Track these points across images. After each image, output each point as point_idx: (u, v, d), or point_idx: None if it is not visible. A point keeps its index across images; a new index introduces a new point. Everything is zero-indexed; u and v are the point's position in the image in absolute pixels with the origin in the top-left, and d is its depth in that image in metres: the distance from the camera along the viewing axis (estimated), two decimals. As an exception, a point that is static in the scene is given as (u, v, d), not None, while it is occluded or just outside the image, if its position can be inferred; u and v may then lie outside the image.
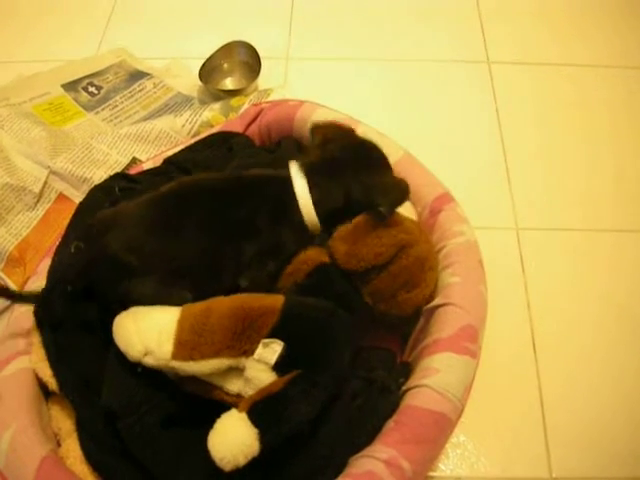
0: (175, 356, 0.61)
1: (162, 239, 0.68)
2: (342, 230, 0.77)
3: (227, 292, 0.67)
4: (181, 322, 0.62)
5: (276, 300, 0.65)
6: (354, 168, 0.74)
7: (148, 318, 0.64)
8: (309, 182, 0.73)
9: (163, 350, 0.61)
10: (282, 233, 0.72)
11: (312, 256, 0.74)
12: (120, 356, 0.66)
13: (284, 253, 0.73)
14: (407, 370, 0.74)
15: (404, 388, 0.70)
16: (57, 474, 0.63)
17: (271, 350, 0.61)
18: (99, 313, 0.70)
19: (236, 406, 0.59)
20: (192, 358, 0.61)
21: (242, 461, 0.55)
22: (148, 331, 0.62)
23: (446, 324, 0.72)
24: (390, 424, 0.66)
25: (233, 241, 0.70)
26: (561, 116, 1.20)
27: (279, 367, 0.61)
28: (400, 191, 0.74)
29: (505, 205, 1.06)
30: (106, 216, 0.71)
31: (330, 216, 0.73)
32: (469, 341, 0.71)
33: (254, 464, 0.56)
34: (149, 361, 0.62)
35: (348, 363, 0.68)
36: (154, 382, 0.64)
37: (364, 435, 0.66)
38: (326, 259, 0.75)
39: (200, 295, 0.67)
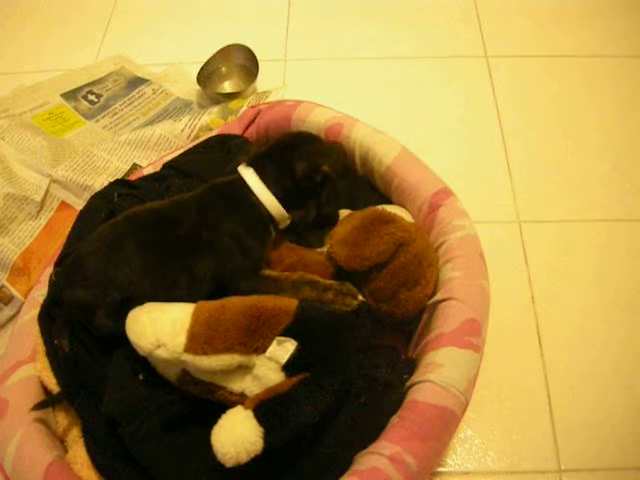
0: (188, 349, 0.60)
1: (110, 265, 0.69)
2: (339, 232, 0.78)
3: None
4: (195, 315, 0.62)
5: (290, 302, 0.65)
6: (292, 147, 0.79)
7: (162, 312, 0.63)
8: (257, 171, 0.77)
9: (176, 342, 0.60)
10: (238, 234, 0.73)
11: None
12: (121, 362, 0.66)
13: (253, 253, 0.74)
14: (411, 366, 0.73)
15: (408, 384, 0.70)
16: None
17: (284, 348, 0.61)
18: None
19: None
20: (204, 352, 0.60)
21: (244, 458, 0.55)
22: (162, 323, 0.61)
23: (448, 319, 0.72)
24: (394, 420, 0.66)
25: (178, 258, 0.71)
26: (561, 108, 1.19)
27: (288, 368, 0.61)
28: (337, 151, 0.81)
29: (507, 198, 1.06)
30: (70, 265, 0.73)
31: (288, 195, 0.77)
32: (472, 335, 0.70)
33: (260, 463, 0.56)
34: (161, 354, 0.60)
35: (355, 365, 0.69)
36: (155, 388, 0.65)
37: (369, 432, 0.66)
38: (329, 267, 0.76)
39: None
